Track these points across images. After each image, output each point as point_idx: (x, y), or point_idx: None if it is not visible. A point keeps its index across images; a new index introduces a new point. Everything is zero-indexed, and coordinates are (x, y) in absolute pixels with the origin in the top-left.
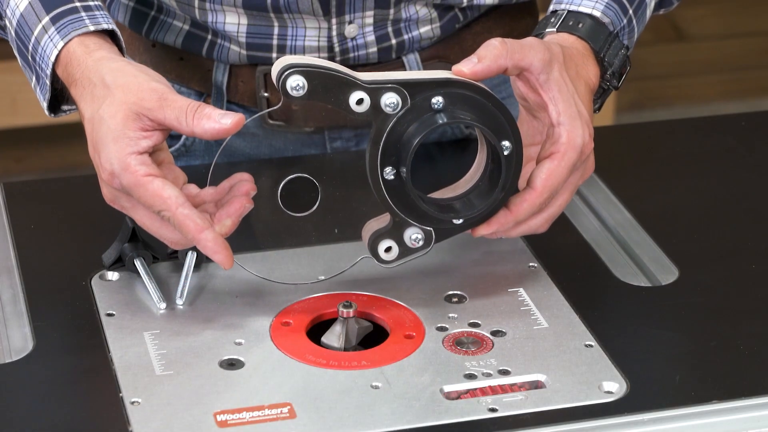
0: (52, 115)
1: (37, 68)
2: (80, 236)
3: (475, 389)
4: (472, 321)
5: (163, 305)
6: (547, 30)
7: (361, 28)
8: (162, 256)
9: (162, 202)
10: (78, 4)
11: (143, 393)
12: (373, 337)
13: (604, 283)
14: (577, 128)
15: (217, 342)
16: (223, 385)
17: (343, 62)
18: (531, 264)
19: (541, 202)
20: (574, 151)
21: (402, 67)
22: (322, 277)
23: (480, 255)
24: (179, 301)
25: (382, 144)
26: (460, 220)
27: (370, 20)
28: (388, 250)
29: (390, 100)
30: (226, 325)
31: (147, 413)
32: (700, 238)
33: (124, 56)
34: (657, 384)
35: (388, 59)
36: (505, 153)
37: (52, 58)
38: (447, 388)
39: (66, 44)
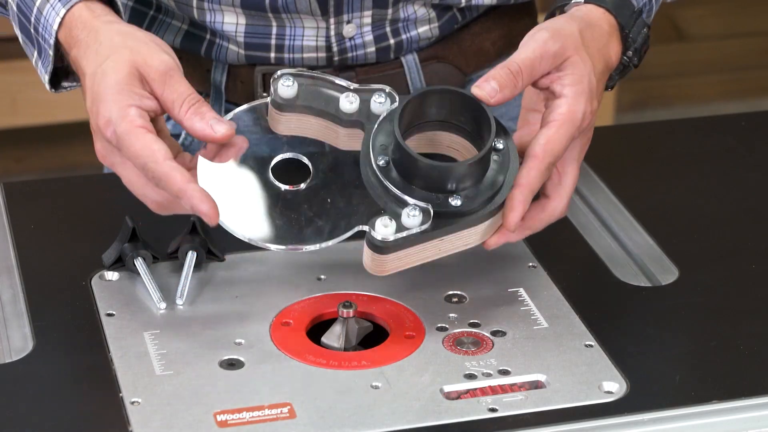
0: (53, 90)
1: (40, 39)
2: (80, 236)
3: (475, 389)
4: (472, 321)
5: (163, 305)
6: (573, 0)
7: (359, 28)
8: (162, 256)
9: (151, 153)
10: None
11: (143, 393)
12: (373, 337)
13: (604, 283)
14: (580, 103)
15: (217, 342)
16: (223, 385)
17: (341, 62)
18: (531, 264)
19: (546, 167)
20: (572, 122)
21: (400, 67)
22: (323, 277)
23: (480, 255)
24: (179, 301)
25: (372, 134)
26: (458, 201)
27: (368, 20)
28: (386, 225)
29: (380, 99)
30: (226, 325)
31: (147, 413)
32: (700, 238)
33: None
34: (657, 384)
35: (386, 59)
36: (499, 147)
37: (55, 26)
38: (447, 388)
39: (69, 10)
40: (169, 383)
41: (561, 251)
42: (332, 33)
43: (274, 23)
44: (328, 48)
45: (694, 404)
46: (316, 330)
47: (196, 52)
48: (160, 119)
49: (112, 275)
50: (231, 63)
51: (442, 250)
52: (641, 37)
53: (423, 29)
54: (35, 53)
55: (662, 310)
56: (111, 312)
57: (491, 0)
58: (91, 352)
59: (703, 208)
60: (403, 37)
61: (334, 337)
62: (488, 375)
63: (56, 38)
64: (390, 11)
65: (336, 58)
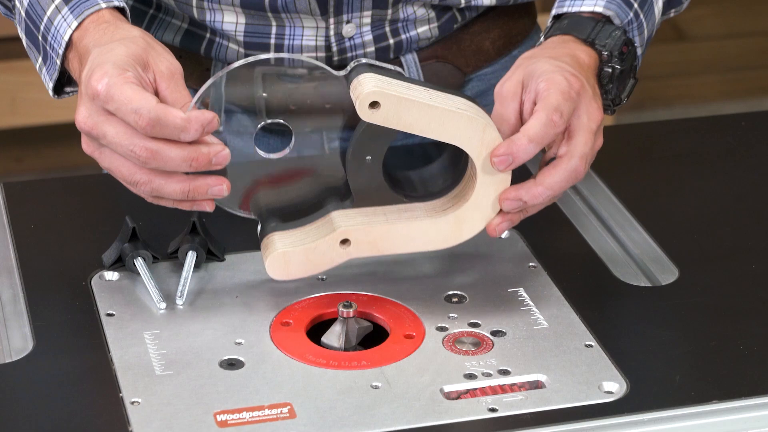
0: (56, 96)
1: (47, 48)
2: (80, 236)
3: (475, 389)
4: (472, 321)
5: (163, 305)
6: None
7: (359, 28)
8: (162, 256)
9: (143, 97)
10: None
11: (143, 393)
12: (373, 337)
13: (604, 283)
14: (557, 75)
15: (217, 342)
16: (223, 385)
17: (340, 62)
18: (531, 264)
19: (554, 121)
20: (557, 91)
21: (400, 66)
22: (323, 277)
23: (480, 255)
24: (179, 301)
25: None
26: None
27: (367, 20)
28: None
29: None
30: (226, 325)
31: (147, 413)
32: (700, 238)
33: None
34: (657, 384)
35: (385, 59)
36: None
37: (66, 38)
38: (447, 388)
39: (80, 24)
40: (169, 383)
41: (561, 251)
42: (332, 33)
43: (273, 23)
44: (328, 48)
45: (694, 404)
46: (316, 330)
47: (195, 51)
48: None
49: (112, 275)
50: (230, 62)
51: (390, 220)
52: (612, 40)
53: (422, 29)
54: (40, 59)
55: (662, 310)
56: (111, 312)
57: (491, 0)
58: (91, 352)
59: (703, 208)
60: (403, 37)
61: (334, 337)
62: (488, 375)
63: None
64: (389, 11)
65: (335, 58)
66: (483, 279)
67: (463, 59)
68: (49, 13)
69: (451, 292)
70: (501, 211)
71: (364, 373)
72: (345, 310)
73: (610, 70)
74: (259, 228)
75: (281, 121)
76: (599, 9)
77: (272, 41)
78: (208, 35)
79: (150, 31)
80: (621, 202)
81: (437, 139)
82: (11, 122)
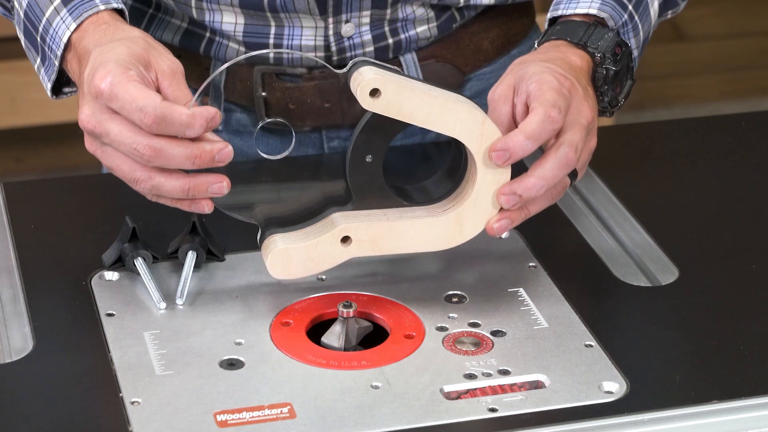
0: (54, 97)
1: (46, 49)
2: (80, 236)
3: (475, 389)
4: (472, 321)
5: (163, 305)
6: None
7: (358, 28)
8: (162, 256)
9: (147, 95)
10: None
11: (143, 393)
12: (373, 337)
13: (604, 283)
14: (547, 75)
15: (217, 342)
16: (223, 385)
17: (340, 61)
18: (531, 264)
19: (551, 117)
20: (550, 88)
21: (399, 66)
22: (323, 277)
23: (480, 255)
24: (179, 301)
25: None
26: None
27: (366, 20)
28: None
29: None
30: (226, 325)
31: (147, 413)
32: (700, 238)
33: None
34: (657, 384)
35: (385, 59)
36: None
37: (65, 39)
38: (447, 388)
39: (79, 25)
40: (169, 383)
41: (561, 251)
42: (331, 32)
43: (272, 23)
44: (327, 47)
45: (694, 404)
46: (316, 330)
47: (195, 51)
48: None
49: (112, 275)
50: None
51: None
52: (604, 42)
53: (421, 29)
54: (38, 59)
55: (662, 310)
56: (111, 312)
57: (489, 0)
58: (91, 352)
59: (703, 208)
60: (402, 36)
61: (334, 337)
62: (488, 375)
63: (64, 52)
64: (388, 11)
65: (335, 58)
66: (483, 279)
67: (462, 59)
68: (47, 14)
69: (451, 292)
70: (501, 209)
71: (364, 373)
72: (345, 310)
73: (604, 71)
74: (259, 235)
75: (281, 120)
76: (593, 11)
77: (271, 41)
78: (207, 35)
79: (149, 30)
80: (621, 202)
81: (437, 131)
82: (11, 122)
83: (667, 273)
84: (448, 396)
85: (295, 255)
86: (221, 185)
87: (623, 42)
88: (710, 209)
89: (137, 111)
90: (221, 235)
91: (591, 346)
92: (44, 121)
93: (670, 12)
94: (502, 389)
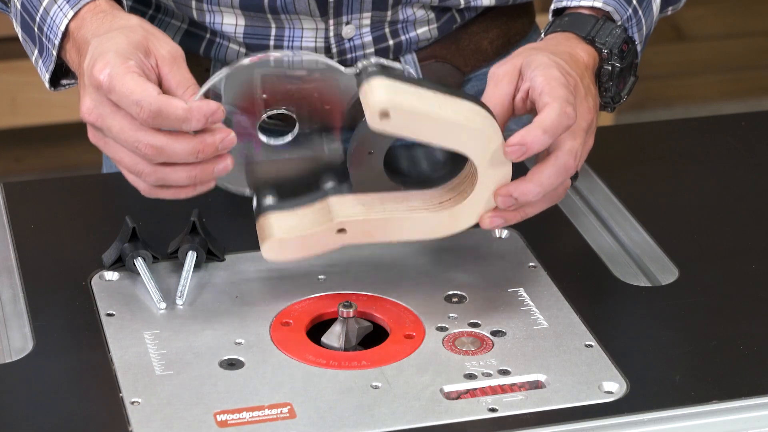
0: (52, 88)
1: (44, 39)
2: (80, 236)
3: (475, 389)
4: (472, 321)
5: (163, 305)
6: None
7: (359, 29)
8: (162, 256)
9: (144, 89)
10: None
11: (143, 393)
12: (373, 337)
13: (604, 283)
14: (553, 69)
15: (217, 342)
16: (223, 385)
17: (340, 63)
18: (531, 264)
19: (567, 113)
20: (559, 84)
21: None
22: (323, 277)
23: (480, 255)
24: (179, 301)
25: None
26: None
27: (367, 21)
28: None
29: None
30: (226, 325)
31: (147, 413)
32: (700, 238)
33: None
34: (657, 384)
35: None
36: None
37: (62, 28)
38: (447, 388)
39: (76, 13)
40: (169, 383)
41: (561, 251)
42: (331, 34)
43: (273, 24)
44: (327, 49)
45: (693, 404)
46: (316, 330)
47: (195, 52)
48: None
49: (112, 275)
50: (230, 62)
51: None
52: (612, 38)
53: (422, 30)
54: (36, 51)
55: (662, 310)
56: (111, 312)
57: (490, 0)
58: (91, 352)
59: (703, 208)
60: (402, 38)
61: (334, 337)
62: (488, 375)
63: (62, 41)
64: (389, 13)
65: (335, 59)
66: (483, 279)
67: (462, 59)
68: (44, 4)
69: (451, 292)
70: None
71: (364, 373)
72: (345, 310)
73: (609, 68)
74: (254, 203)
75: (284, 110)
76: (598, 4)
77: (272, 42)
78: (207, 36)
79: None
80: (621, 202)
81: (442, 146)
82: (11, 122)
83: (667, 273)
84: (448, 396)
85: (290, 243)
86: (226, 164)
87: (630, 39)
88: (710, 209)
89: (134, 105)
90: (221, 235)
91: (591, 346)
92: (44, 121)
93: (670, 8)
94: (502, 389)
